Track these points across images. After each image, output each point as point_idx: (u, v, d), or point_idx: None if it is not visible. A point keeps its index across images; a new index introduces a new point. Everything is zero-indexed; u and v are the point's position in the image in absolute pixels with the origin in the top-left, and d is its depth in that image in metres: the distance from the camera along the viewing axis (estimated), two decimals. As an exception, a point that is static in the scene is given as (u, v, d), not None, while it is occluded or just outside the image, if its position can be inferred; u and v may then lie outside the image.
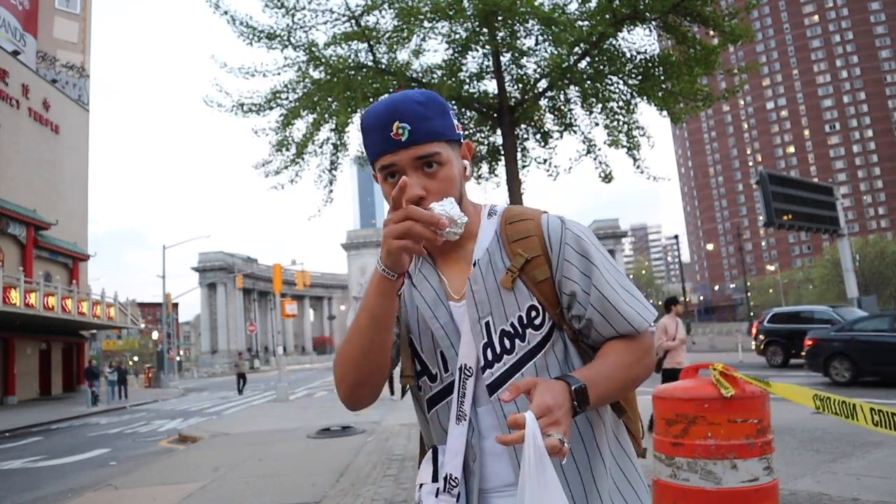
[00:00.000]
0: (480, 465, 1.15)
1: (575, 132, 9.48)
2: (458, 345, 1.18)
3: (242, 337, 78.97)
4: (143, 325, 47.17)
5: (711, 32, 8.51)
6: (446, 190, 1.15)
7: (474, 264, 1.20)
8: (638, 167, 9.24)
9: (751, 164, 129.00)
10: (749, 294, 57.59)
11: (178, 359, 54.24)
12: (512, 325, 1.17)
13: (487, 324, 1.17)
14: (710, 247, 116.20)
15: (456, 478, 1.13)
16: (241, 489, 6.57)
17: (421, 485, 1.19)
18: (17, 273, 25.40)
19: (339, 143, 9.26)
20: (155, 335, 51.41)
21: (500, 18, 8.09)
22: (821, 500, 4.45)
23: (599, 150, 9.48)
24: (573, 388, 1.02)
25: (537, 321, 1.17)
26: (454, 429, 1.16)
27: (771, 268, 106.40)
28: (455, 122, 1.21)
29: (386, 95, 1.11)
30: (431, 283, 1.23)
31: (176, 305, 63.75)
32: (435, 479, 1.17)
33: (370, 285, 1.11)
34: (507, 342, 1.16)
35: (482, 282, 1.18)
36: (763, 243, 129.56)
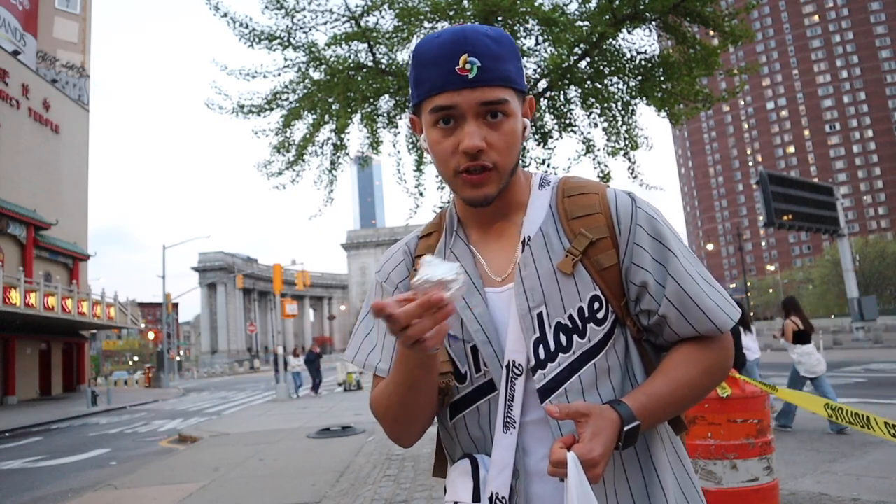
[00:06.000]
0: (524, 485, 0.98)
1: (574, 132, 9.48)
2: (497, 339, 1.01)
3: (242, 337, 78.96)
4: (143, 325, 47.20)
5: (711, 33, 8.52)
6: (509, 146, 0.99)
7: (523, 243, 1.03)
8: (632, 171, 9.21)
9: (751, 164, 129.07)
10: (749, 294, 57.53)
11: (177, 359, 54.33)
12: (570, 317, 0.99)
13: (540, 315, 0.99)
14: (710, 247, 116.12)
15: (504, 497, 0.96)
16: (241, 489, 6.57)
17: (456, 503, 0.99)
18: (17, 273, 25.41)
19: (339, 143, 9.27)
20: (151, 335, 51.41)
21: (499, 19, 8.09)
22: (821, 500, 4.45)
23: (599, 150, 9.48)
24: (625, 429, 0.90)
25: (600, 315, 1.00)
26: (501, 438, 0.98)
27: (771, 268, 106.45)
28: (523, 70, 1.02)
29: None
30: (465, 266, 1.05)
31: (176, 305, 63.89)
32: (476, 497, 0.97)
33: (400, 360, 0.96)
34: (563, 338, 0.99)
35: (534, 265, 1.01)
36: (763, 243, 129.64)
